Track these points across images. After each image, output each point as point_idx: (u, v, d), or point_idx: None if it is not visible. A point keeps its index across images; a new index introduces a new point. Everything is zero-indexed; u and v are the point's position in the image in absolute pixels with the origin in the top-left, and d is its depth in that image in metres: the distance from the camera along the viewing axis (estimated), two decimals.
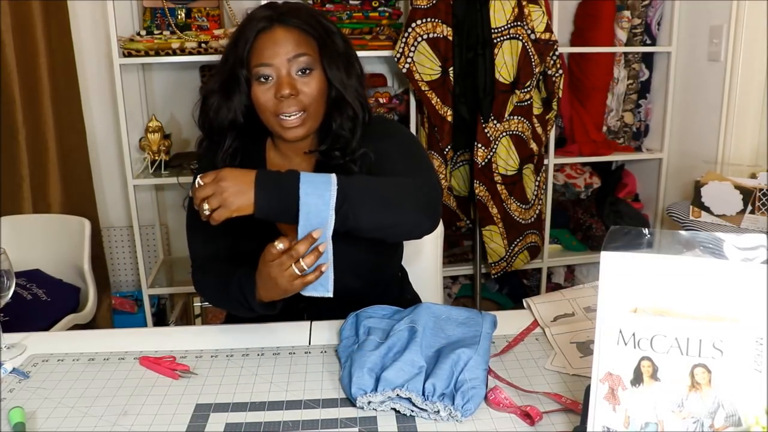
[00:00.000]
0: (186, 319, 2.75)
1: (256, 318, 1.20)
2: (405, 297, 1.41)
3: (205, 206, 0.99)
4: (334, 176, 1.01)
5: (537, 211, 2.45)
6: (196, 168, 1.33)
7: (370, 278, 1.28)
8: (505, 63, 2.16)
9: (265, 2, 1.25)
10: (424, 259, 1.54)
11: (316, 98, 1.18)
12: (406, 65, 2.16)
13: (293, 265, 0.99)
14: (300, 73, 1.16)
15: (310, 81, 1.17)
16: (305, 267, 0.99)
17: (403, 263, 1.44)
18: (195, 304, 2.67)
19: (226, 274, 1.18)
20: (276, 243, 1.00)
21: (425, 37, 2.13)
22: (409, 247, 1.47)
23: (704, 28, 2.34)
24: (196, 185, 1.01)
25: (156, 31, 2.27)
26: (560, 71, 2.30)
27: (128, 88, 2.40)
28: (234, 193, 0.98)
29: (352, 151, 1.21)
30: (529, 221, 2.43)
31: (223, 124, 1.22)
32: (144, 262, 2.42)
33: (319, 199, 0.99)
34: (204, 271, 1.26)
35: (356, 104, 1.21)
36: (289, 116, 1.16)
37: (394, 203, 1.06)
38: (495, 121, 2.20)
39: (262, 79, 1.16)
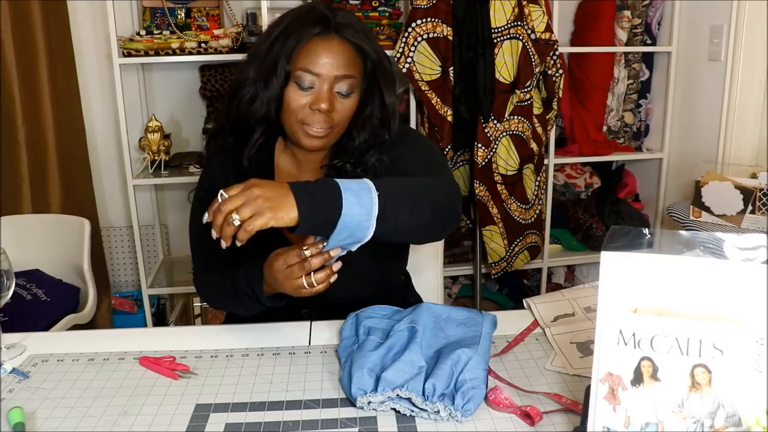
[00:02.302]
0: (186, 319, 2.75)
1: (256, 318, 1.20)
2: (408, 300, 1.41)
3: (235, 216, 0.89)
4: (371, 183, 0.95)
5: (537, 211, 2.45)
6: (204, 170, 1.29)
7: (377, 287, 1.27)
8: (505, 63, 2.16)
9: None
10: (424, 259, 1.54)
11: (346, 119, 1.16)
12: (406, 65, 2.16)
13: (303, 277, 0.99)
14: (340, 93, 1.13)
15: (346, 102, 1.14)
16: (314, 283, 0.99)
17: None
18: (195, 304, 2.67)
19: (231, 272, 1.17)
20: (297, 251, 0.99)
21: (425, 36, 2.13)
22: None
23: (704, 28, 2.34)
24: (219, 198, 0.91)
25: (156, 31, 2.27)
26: (560, 71, 2.30)
27: (128, 88, 2.40)
28: (271, 199, 0.89)
29: (363, 162, 1.19)
30: (530, 221, 2.42)
31: (254, 117, 1.17)
32: (144, 262, 2.42)
33: (362, 209, 0.92)
34: (207, 273, 1.25)
35: (395, 130, 1.21)
36: (316, 129, 1.13)
37: (425, 204, 1.02)
38: (495, 121, 2.20)
39: (301, 84, 1.12)
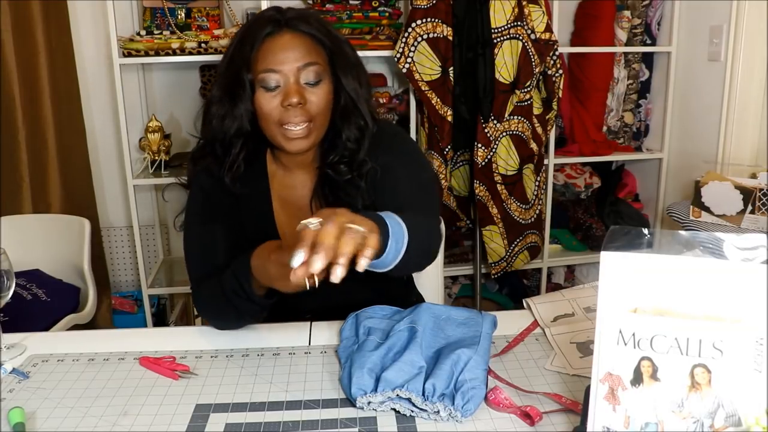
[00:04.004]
0: (186, 319, 2.75)
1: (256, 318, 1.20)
2: (410, 299, 1.41)
3: (355, 227, 0.82)
4: (399, 219, 0.94)
5: (537, 211, 2.45)
6: (191, 188, 1.25)
7: (379, 289, 1.26)
8: (505, 63, 2.16)
9: (272, 5, 1.22)
10: None
11: (323, 109, 1.14)
12: (406, 65, 2.16)
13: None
14: (308, 83, 1.12)
15: (318, 91, 1.13)
16: (316, 284, 0.95)
17: None
18: None
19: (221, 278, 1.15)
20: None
21: (425, 37, 2.13)
22: None
23: (704, 28, 2.34)
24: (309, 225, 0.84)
25: (156, 31, 2.28)
26: (560, 71, 2.30)
27: (128, 88, 2.40)
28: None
29: (359, 165, 1.18)
30: (529, 221, 2.43)
31: (229, 134, 1.16)
32: (144, 262, 2.42)
33: (397, 244, 0.92)
34: (203, 285, 1.21)
35: (367, 114, 1.19)
36: (295, 127, 1.12)
37: (421, 249, 1.02)
38: (495, 121, 2.20)
39: (267, 85, 1.12)
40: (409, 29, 2.14)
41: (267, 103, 1.12)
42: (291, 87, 1.11)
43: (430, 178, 1.27)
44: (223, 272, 1.12)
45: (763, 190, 1.96)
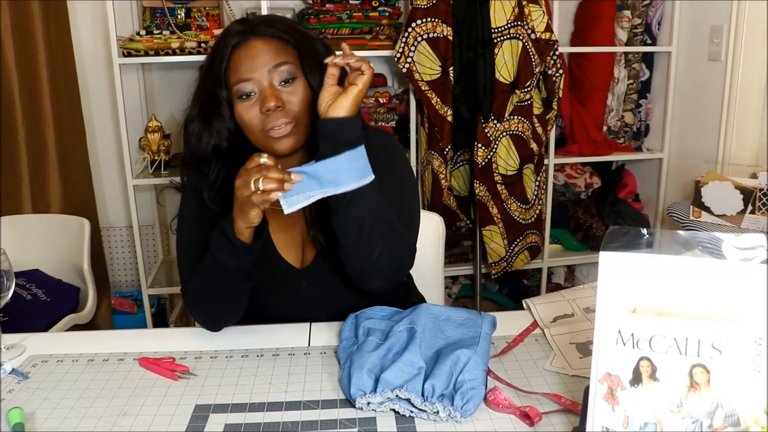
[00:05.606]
0: (186, 319, 2.75)
1: (255, 319, 1.20)
2: (410, 300, 1.40)
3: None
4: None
5: (537, 211, 2.45)
6: (185, 189, 1.26)
7: (374, 295, 1.25)
8: (505, 63, 2.16)
9: (268, 8, 1.22)
10: (424, 259, 1.53)
11: (303, 107, 1.12)
12: (406, 65, 2.16)
13: (261, 179, 0.97)
14: (283, 83, 1.11)
15: (295, 90, 1.11)
16: (260, 186, 0.97)
17: None
18: None
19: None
20: (257, 157, 1.00)
21: (425, 36, 2.13)
22: None
23: (704, 28, 2.34)
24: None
25: (156, 31, 2.27)
26: (560, 71, 2.30)
27: (128, 88, 2.40)
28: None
29: None
30: (530, 221, 2.42)
31: (206, 152, 1.16)
32: (143, 262, 2.42)
33: (361, 175, 1.02)
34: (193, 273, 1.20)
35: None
36: (278, 128, 1.10)
37: (382, 230, 1.05)
38: (495, 121, 2.20)
39: (244, 96, 1.10)
40: (409, 29, 2.13)
41: (247, 113, 1.11)
42: (266, 92, 1.10)
43: (412, 201, 1.24)
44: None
45: (763, 190, 1.96)
